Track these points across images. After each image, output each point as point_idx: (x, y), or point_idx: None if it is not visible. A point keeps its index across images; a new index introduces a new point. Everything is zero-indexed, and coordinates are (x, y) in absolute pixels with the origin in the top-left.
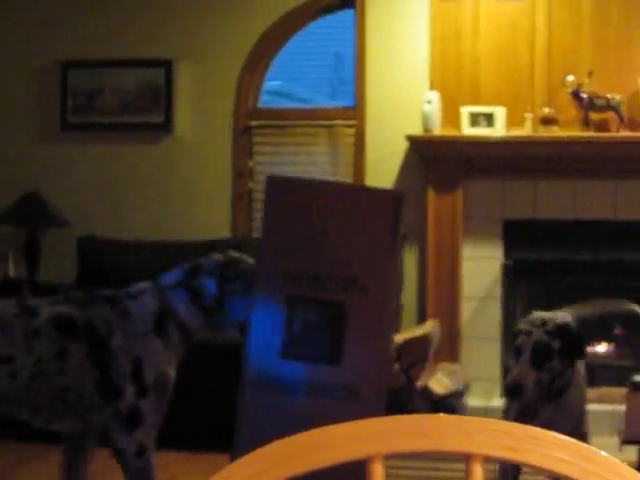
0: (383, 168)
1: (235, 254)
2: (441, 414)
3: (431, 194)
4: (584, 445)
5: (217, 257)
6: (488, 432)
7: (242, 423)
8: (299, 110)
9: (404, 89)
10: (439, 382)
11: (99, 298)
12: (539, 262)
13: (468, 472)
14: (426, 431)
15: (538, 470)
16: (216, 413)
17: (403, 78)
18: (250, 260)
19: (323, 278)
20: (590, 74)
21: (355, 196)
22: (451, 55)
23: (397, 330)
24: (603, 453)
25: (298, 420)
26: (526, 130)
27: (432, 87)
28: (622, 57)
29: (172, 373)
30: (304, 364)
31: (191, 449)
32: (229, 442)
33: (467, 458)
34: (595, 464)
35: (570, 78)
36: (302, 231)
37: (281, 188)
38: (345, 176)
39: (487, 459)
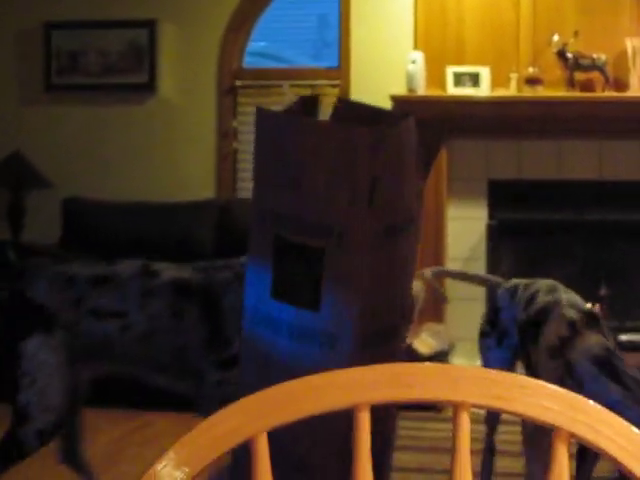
0: None
1: None
2: (427, 363)
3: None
4: (572, 394)
5: None
6: (475, 380)
7: (242, 358)
8: (283, 70)
9: (388, 49)
10: (424, 342)
11: (220, 266)
12: (524, 222)
13: (455, 421)
14: (412, 380)
15: (526, 418)
16: None
17: (387, 38)
18: None
19: (304, 222)
20: (576, 34)
21: (334, 135)
22: (436, 15)
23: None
24: (591, 402)
25: (283, 361)
26: (511, 90)
27: (416, 47)
28: (608, 17)
29: None
30: (288, 306)
31: (179, 409)
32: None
33: (454, 407)
34: (582, 413)
35: (555, 38)
36: (287, 171)
37: (268, 122)
38: None
39: (474, 407)
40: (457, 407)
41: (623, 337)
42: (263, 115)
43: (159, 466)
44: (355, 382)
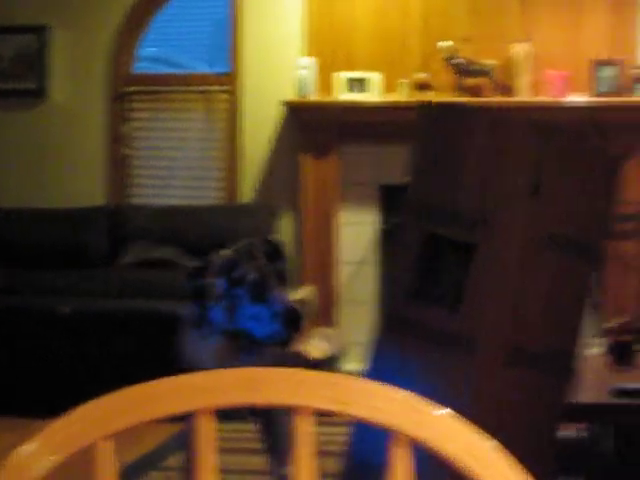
0: (259, 134)
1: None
2: (271, 367)
3: (305, 160)
4: (414, 396)
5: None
6: (316, 385)
7: (373, 364)
8: (174, 76)
9: (280, 55)
10: (315, 346)
11: None
12: None
13: (295, 425)
14: (256, 384)
15: (366, 422)
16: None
17: (279, 44)
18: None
19: (460, 215)
20: (464, 40)
21: (502, 128)
22: (327, 21)
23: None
24: (430, 403)
25: (421, 367)
26: (401, 95)
27: (308, 53)
28: (495, 24)
29: None
30: (430, 308)
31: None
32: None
33: (294, 411)
34: (421, 414)
35: (444, 44)
36: (450, 165)
37: (434, 114)
38: (221, 142)
39: (315, 412)
40: (300, 411)
41: None
42: (427, 110)
43: None
44: (198, 387)
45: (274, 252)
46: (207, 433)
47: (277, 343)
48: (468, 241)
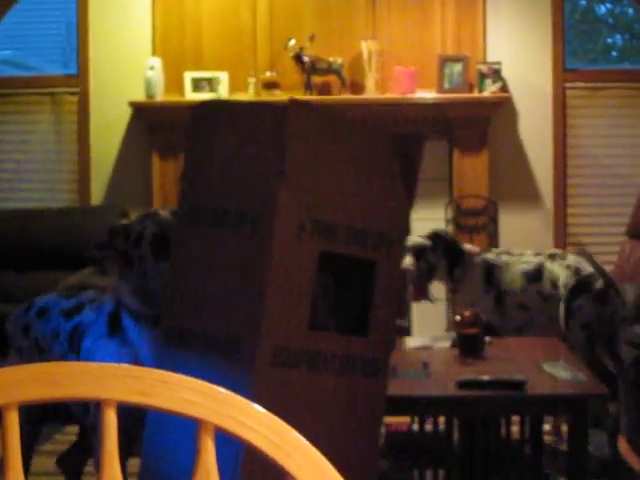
0: (107, 135)
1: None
2: (74, 362)
3: (155, 160)
4: (216, 388)
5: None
6: (119, 378)
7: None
8: (22, 78)
9: (127, 55)
10: None
11: None
12: None
13: (102, 418)
14: (58, 379)
15: (171, 413)
16: None
17: (126, 44)
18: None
19: (357, 231)
20: (312, 38)
21: (366, 136)
22: (173, 21)
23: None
24: (236, 396)
25: (325, 398)
26: (249, 94)
27: (155, 53)
28: (343, 22)
29: None
30: (334, 335)
31: None
32: None
33: (100, 404)
34: (228, 406)
35: (292, 42)
36: (329, 170)
37: (302, 114)
38: (69, 144)
39: (119, 404)
40: (104, 404)
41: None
42: (296, 105)
43: None
44: (5, 381)
45: None
46: (14, 427)
47: None
48: (370, 259)
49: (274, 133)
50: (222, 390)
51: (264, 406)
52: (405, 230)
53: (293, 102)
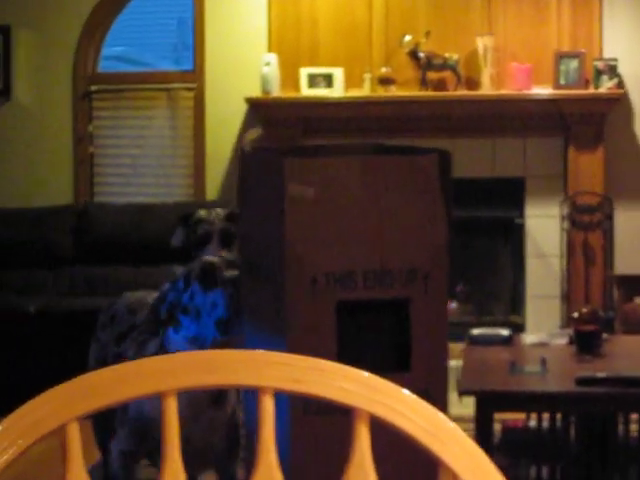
0: (223, 131)
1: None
2: (232, 350)
3: None
4: (369, 375)
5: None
6: (272, 365)
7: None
8: (138, 74)
9: (243, 51)
10: None
11: None
12: None
13: (259, 405)
14: (216, 366)
15: (326, 401)
16: None
17: (242, 40)
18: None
19: (380, 272)
20: (427, 34)
21: (394, 164)
22: (289, 17)
23: None
24: (389, 383)
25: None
26: (364, 90)
27: (270, 49)
28: (459, 17)
29: None
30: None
31: None
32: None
33: (258, 391)
34: (379, 393)
35: (407, 38)
36: (336, 218)
37: (299, 170)
38: (185, 139)
39: (277, 391)
40: (261, 392)
41: (474, 331)
42: (304, 169)
43: None
44: (161, 369)
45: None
46: (173, 413)
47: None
48: (400, 297)
49: (278, 192)
50: (375, 377)
51: (299, 454)
52: (444, 260)
53: (289, 160)
